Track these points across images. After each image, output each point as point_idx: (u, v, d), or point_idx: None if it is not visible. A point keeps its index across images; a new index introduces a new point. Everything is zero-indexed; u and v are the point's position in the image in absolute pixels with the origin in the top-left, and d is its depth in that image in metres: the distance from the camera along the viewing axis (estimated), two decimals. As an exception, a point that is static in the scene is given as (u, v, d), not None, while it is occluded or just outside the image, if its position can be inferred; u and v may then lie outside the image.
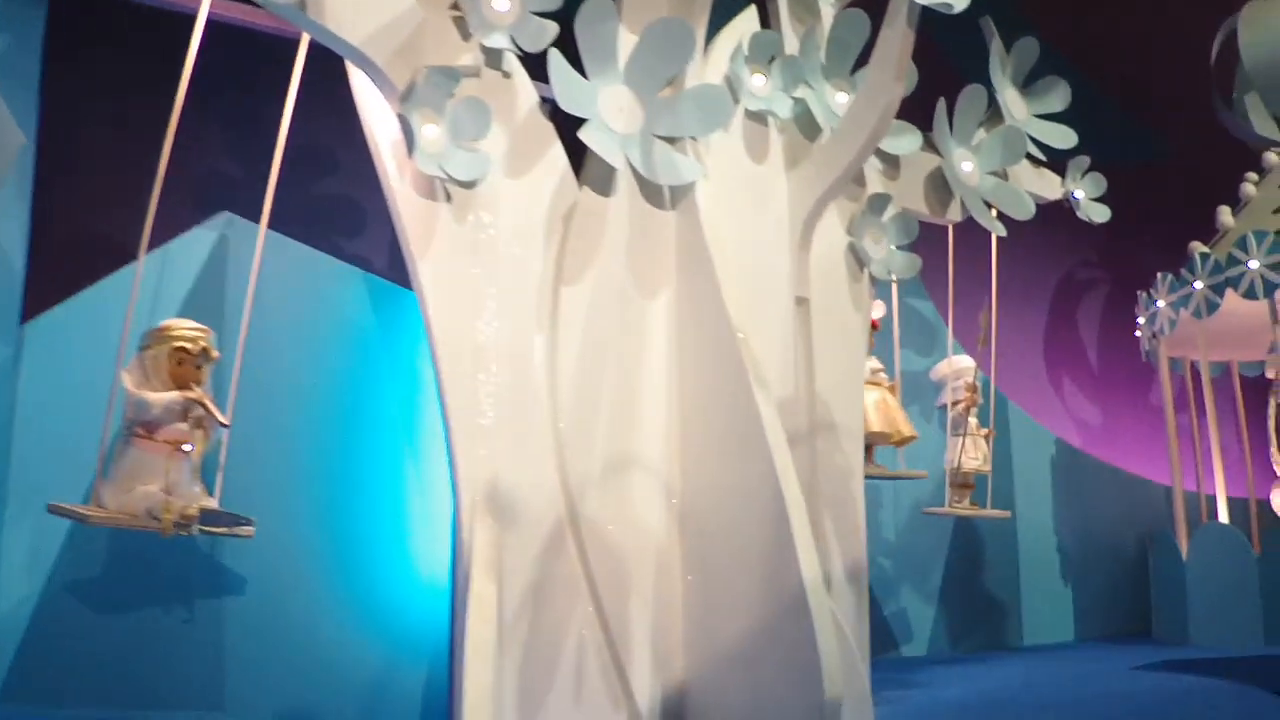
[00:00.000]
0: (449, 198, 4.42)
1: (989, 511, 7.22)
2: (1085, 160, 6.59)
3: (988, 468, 7.20)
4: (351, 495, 5.31)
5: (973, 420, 7.26)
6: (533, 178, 4.63)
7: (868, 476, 5.64)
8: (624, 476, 4.54)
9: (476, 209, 4.46)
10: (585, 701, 4.32)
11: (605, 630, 4.41)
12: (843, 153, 4.98)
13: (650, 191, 4.86)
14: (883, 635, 8.10)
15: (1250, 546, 7.31)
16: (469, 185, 4.45)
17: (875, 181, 5.60)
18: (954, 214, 6.08)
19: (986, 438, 7.33)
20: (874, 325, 6.03)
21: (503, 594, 4.16)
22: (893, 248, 5.55)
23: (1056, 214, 6.76)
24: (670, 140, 4.83)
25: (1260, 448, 8.37)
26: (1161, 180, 9.44)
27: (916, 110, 5.86)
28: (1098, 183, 6.64)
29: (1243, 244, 7.46)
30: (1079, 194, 6.60)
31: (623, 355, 4.65)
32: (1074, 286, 10.08)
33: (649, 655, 4.46)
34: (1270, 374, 8.38)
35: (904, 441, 6.20)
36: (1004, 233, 6.13)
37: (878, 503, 8.20)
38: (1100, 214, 6.64)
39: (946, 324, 8.71)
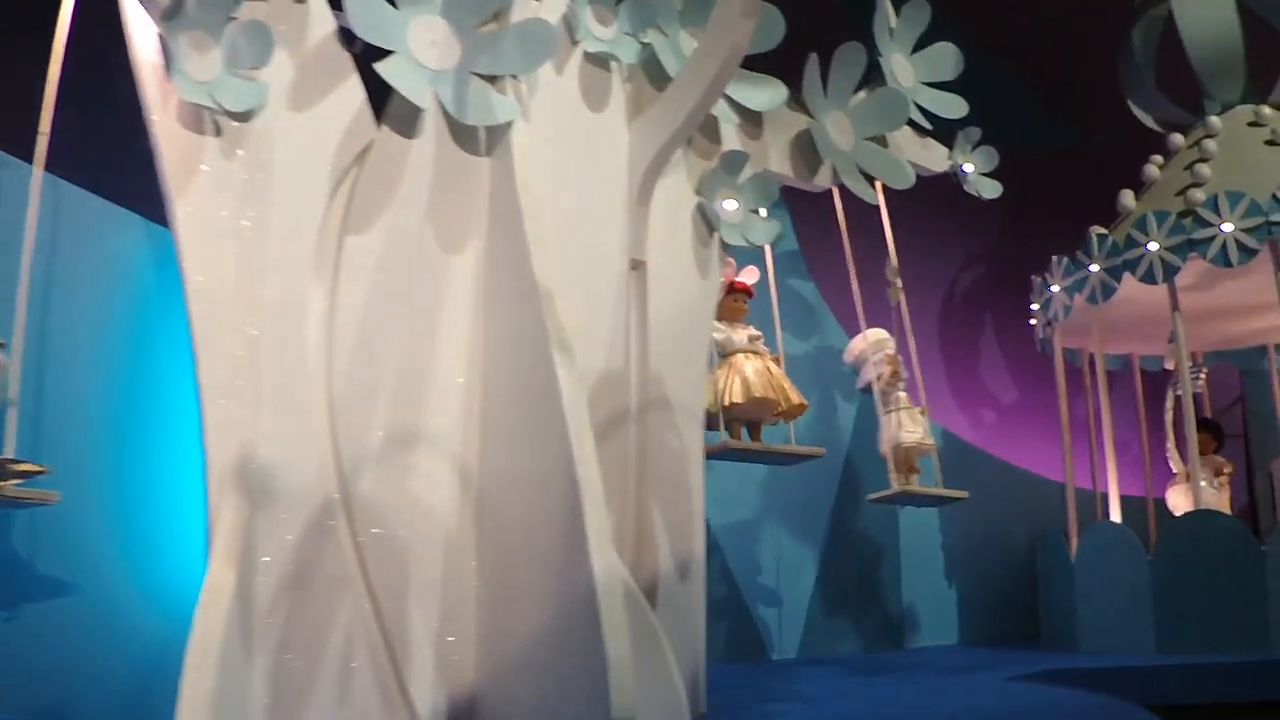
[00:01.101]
0: (218, 131, 3.86)
1: (944, 491, 6.45)
2: (976, 131, 6.21)
3: (930, 442, 6.60)
4: (137, 459, 4.78)
5: (901, 393, 6.74)
6: (320, 113, 4.06)
7: (741, 457, 5.31)
8: (409, 454, 3.98)
9: (250, 145, 3.90)
10: (353, 708, 3.77)
11: (381, 629, 3.86)
12: (685, 99, 4.49)
13: (462, 135, 4.30)
14: (750, 638, 7.71)
15: (1143, 548, 6.89)
16: (242, 118, 3.90)
17: (732, 138, 5.11)
18: (824, 179, 5.61)
19: (922, 413, 6.79)
20: (746, 290, 5.60)
21: (254, 584, 3.61)
22: (751, 212, 5.06)
23: (955, 198, 6.37)
24: (490, 80, 4.28)
25: (1160, 444, 7.94)
26: (1070, 167, 9.02)
27: (796, 71, 5.43)
28: (989, 157, 6.31)
29: (1142, 225, 7.03)
30: (968, 168, 6.24)
31: (416, 316, 4.08)
32: (972, 274, 9.65)
33: (432, 658, 3.91)
34: (1169, 365, 7.96)
35: (794, 412, 5.56)
36: (876, 201, 5.71)
37: (765, 489, 7.76)
38: (991, 189, 6.27)
39: (830, 307, 8.35)
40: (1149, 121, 8.40)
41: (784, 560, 8.06)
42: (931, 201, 6.67)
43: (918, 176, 5.79)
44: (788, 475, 7.03)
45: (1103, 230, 7.37)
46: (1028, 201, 7.38)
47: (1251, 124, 7.72)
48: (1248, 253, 6.71)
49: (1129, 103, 8.52)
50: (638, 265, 4.65)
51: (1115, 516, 7.39)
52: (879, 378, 6.51)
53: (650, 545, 4.49)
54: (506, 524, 3.97)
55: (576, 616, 3.54)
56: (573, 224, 4.40)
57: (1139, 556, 6.87)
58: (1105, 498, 8.07)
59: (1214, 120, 7.73)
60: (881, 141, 5.77)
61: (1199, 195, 7.05)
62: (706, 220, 4.87)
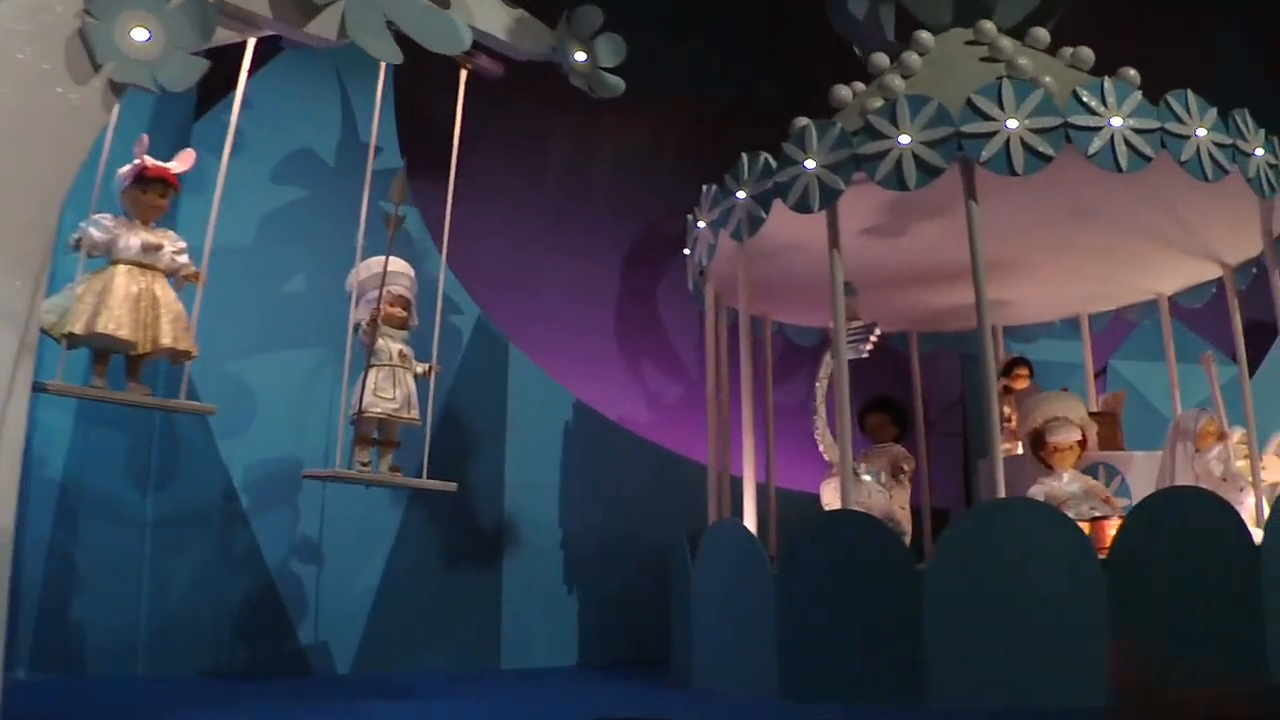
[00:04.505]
0: None
1: (424, 482, 5.11)
2: (595, 15, 4.92)
3: (414, 415, 4.93)
4: None
5: (397, 345, 4.98)
6: None
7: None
8: None
9: None
10: None
11: None
12: None
13: None
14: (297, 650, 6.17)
15: (767, 559, 5.18)
16: None
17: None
18: (323, 29, 4.22)
19: (427, 373, 5.05)
20: (164, 177, 4.33)
21: None
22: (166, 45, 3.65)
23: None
24: None
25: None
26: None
27: None
28: (614, 48, 5.01)
29: (800, 139, 5.35)
30: (580, 56, 4.76)
31: None
32: (632, 222, 7.91)
33: None
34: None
35: (173, 357, 4.17)
36: (398, 60, 4.40)
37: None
38: (610, 88, 5.09)
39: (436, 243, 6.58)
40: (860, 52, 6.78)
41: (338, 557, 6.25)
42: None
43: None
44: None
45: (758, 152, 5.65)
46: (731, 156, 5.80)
47: (970, 43, 6.15)
48: (929, 171, 5.08)
49: (836, 31, 6.92)
50: None
51: (749, 516, 5.66)
52: (370, 322, 4.88)
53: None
54: None
55: None
56: None
57: (761, 569, 5.15)
58: (781, 492, 6.45)
59: (923, 36, 6.17)
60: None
61: (875, 103, 5.42)
62: (91, 53, 3.55)
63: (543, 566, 6.81)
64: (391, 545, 6.49)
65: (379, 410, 4.97)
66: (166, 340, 4.01)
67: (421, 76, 5.91)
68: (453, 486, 5.19)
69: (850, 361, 5.38)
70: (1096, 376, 7.77)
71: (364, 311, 5.02)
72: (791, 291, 6.50)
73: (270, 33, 4.39)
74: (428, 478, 5.13)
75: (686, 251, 6.41)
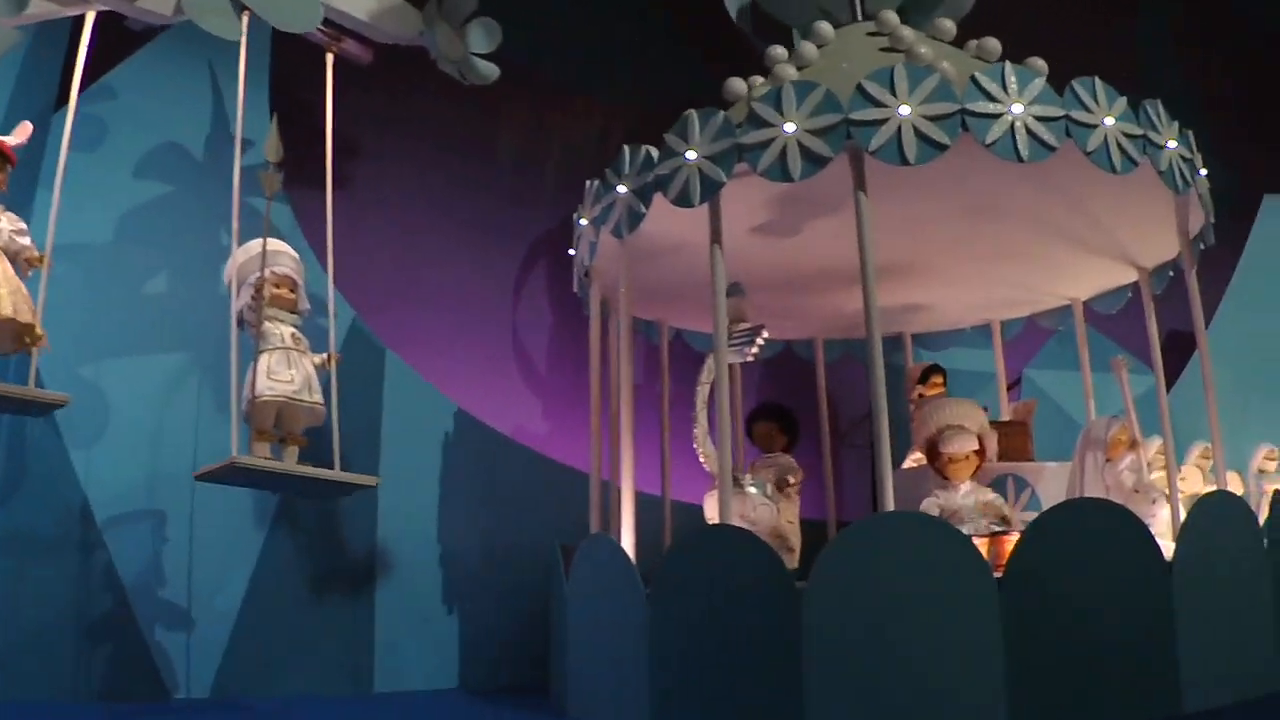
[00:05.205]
0: None
1: (340, 474, 4.87)
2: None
3: (317, 399, 4.57)
4: None
5: (289, 329, 4.66)
6: None
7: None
8: None
9: None
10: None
11: None
12: None
13: None
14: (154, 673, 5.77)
15: (638, 577, 4.79)
16: None
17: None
18: (157, 5, 4.11)
19: (325, 363, 4.69)
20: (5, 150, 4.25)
21: None
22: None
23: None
24: None
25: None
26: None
27: None
28: (488, 33, 4.96)
29: (683, 129, 4.98)
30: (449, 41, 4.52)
31: None
32: (529, 223, 7.52)
33: None
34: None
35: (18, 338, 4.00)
36: (236, 36, 4.25)
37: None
38: (482, 75, 5.05)
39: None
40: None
41: (199, 574, 5.81)
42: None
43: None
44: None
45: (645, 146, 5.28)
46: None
47: (872, 34, 5.81)
48: (815, 161, 4.71)
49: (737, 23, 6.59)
50: None
51: (627, 530, 5.27)
52: (250, 309, 4.54)
53: None
54: None
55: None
56: None
57: (633, 588, 4.76)
58: (679, 506, 6.09)
59: (823, 27, 5.83)
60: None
61: (762, 91, 5.09)
62: None
63: (420, 584, 6.40)
64: (257, 561, 6.09)
65: (274, 393, 4.60)
66: (6, 311, 3.66)
67: (298, 67, 5.57)
68: (374, 481, 4.97)
69: (758, 371, 5.03)
70: (1012, 387, 7.47)
71: (245, 297, 4.69)
72: (685, 294, 6.15)
73: (101, 7, 4.08)
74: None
75: (572, 252, 6.03)
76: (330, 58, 5.16)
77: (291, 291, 4.92)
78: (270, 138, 4.74)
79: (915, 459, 6.16)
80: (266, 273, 4.73)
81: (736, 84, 5.69)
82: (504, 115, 7.32)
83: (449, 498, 6.52)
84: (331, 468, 4.85)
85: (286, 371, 4.67)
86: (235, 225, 4.70)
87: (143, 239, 6.17)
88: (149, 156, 6.38)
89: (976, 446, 5.29)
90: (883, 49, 5.62)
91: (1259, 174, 9.22)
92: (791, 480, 5.60)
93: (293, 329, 4.84)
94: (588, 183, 5.61)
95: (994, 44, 5.69)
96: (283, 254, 4.97)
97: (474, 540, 6.53)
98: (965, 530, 4.78)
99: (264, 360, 4.62)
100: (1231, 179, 8.13)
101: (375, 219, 6.68)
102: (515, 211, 7.35)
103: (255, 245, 4.79)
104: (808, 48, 5.63)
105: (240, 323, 4.80)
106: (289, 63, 6.10)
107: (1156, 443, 6.40)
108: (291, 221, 6.33)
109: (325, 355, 4.99)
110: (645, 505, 6.53)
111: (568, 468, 6.75)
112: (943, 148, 4.63)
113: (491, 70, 4.81)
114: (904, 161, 4.62)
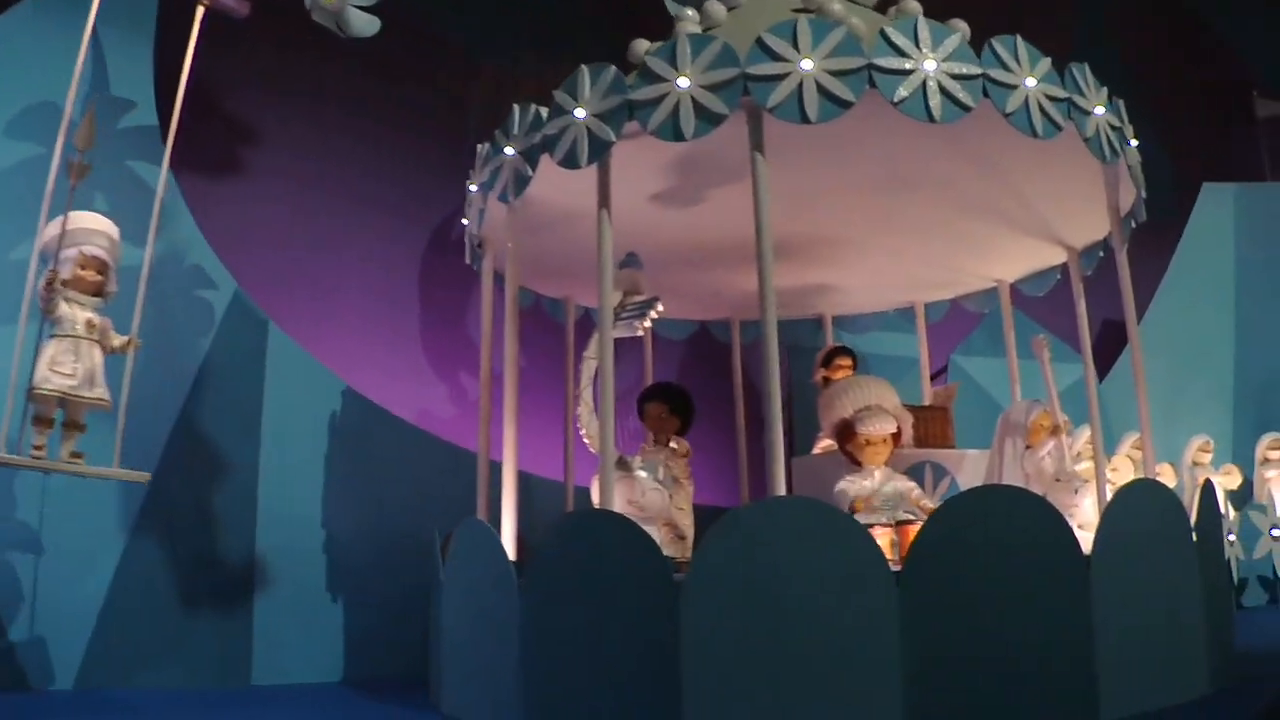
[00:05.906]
0: None
1: (111, 471, 4.57)
2: None
3: (99, 395, 4.38)
4: None
5: (88, 314, 4.37)
6: None
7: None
8: None
9: None
10: None
11: None
12: None
13: None
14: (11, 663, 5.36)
15: (509, 567, 4.41)
16: None
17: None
18: None
19: (124, 347, 4.38)
20: None
21: None
22: None
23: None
24: None
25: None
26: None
27: None
28: None
29: (572, 86, 4.59)
30: None
31: None
32: (432, 194, 7.14)
33: None
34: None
35: None
36: None
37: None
38: (359, 28, 4.63)
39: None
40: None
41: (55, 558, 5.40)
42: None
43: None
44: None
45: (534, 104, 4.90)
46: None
47: (786, -2, 5.42)
48: (710, 119, 4.32)
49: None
50: None
51: (508, 514, 4.90)
52: (43, 285, 4.22)
53: None
54: None
55: None
56: None
57: (506, 577, 4.38)
58: (583, 493, 5.74)
59: (737, -10, 5.43)
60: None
61: (658, 46, 4.72)
62: None
63: (302, 571, 6.01)
64: (125, 544, 5.69)
65: (51, 387, 4.29)
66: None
67: (185, 27, 5.19)
68: (145, 477, 4.51)
69: (669, 351, 4.66)
70: (937, 375, 7.16)
71: (65, 271, 4.37)
72: (590, 270, 5.75)
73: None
74: (120, 466, 4.39)
75: (465, 221, 5.64)
76: (200, 10, 4.78)
77: (99, 274, 4.57)
78: (83, 127, 4.51)
79: (824, 445, 5.82)
80: (74, 251, 4.46)
81: (640, 45, 5.30)
82: (404, 80, 6.95)
83: (334, 481, 6.12)
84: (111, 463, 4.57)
85: (71, 364, 4.39)
86: (48, 197, 4.31)
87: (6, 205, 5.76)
88: (20, 116, 5.97)
89: (895, 429, 4.95)
90: (795, 10, 5.25)
91: (1197, 161, 8.99)
92: (683, 464, 5.23)
93: (92, 314, 4.54)
94: (478, 146, 5.23)
95: (914, 5, 5.34)
96: (99, 233, 4.64)
97: (363, 526, 6.14)
98: (879, 519, 4.44)
99: (51, 348, 4.41)
100: (1170, 166, 7.89)
101: (264, 188, 6.27)
102: (413, 181, 6.95)
103: (73, 219, 4.45)
104: (715, 7, 5.26)
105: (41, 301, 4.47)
106: (175, 22, 5.75)
107: (1086, 432, 6.11)
108: (175, 189, 5.93)
109: (126, 339, 4.67)
110: (548, 491, 6.20)
111: (463, 450, 6.36)
112: (847, 104, 4.25)
113: (371, 23, 4.49)
114: (805, 119, 4.24)
